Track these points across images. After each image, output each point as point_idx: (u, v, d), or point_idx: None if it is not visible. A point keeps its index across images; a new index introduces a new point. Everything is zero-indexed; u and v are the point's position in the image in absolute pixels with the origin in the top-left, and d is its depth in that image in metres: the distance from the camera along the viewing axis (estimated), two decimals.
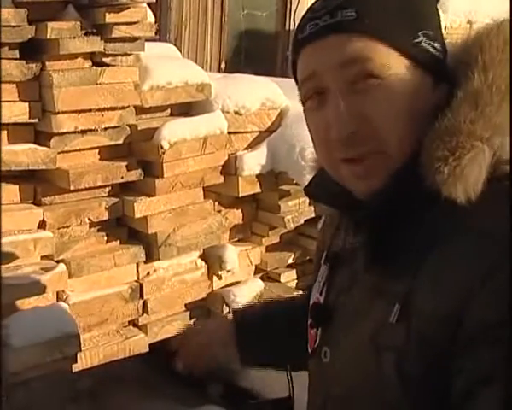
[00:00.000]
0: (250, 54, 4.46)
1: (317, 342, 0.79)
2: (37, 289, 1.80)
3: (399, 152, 0.68)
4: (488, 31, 0.70)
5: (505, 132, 0.66)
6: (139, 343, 2.09)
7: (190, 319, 2.24)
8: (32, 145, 1.85)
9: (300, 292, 2.31)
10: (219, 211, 2.24)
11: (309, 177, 0.86)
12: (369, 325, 0.69)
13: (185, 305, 2.21)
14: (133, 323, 2.12)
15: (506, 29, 0.69)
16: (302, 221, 2.30)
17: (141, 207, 1.97)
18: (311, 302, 0.84)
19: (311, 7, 0.73)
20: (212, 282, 2.25)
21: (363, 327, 0.70)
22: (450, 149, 0.65)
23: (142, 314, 2.10)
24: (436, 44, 0.70)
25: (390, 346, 0.66)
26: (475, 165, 0.65)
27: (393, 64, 0.67)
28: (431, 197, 0.65)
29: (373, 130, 0.67)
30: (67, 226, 1.92)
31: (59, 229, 1.90)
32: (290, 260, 2.42)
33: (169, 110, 2.17)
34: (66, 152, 1.90)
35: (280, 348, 1.01)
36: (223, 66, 4.09)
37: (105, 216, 1.98)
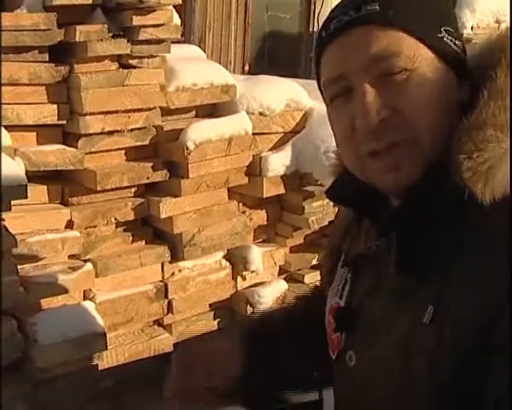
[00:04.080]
0: (274, 55, 4.46)
1: (342, 345, 0.78)
2: (65, 287, 1.82)
3: (430, 142, 0.67)
4: (509, 32, 0.70)
5: None
6: (164, 343, 2.10)
7: (214, 319, 2.25)
8: (61, 146, 1.88)
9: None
10: (244, 212, 2.24)
11: (331, 179, 0.85)
12: (399, 329, 0.68)
13: (209, 305, 2.22)
14: (158, 322, 2.14)
15: None
16: (326, 222, 2.29)
17: (166, 207, 1.99)
18: (328, 305, 0.83)
19: (336, 6, 0.73)
20: (236, 282, 2.26)
21: (392, 331, 0.69)
22: (476, 142, 0.64)
23: (167, 314, 2.12)
24: (457, 42, 0.70)
25: (421, 349, 0.65)
26: (504, 164, 0.63)
27: (420, 56, 0.67)
28: (460, 196, 0.64)
29: (403, 119, 0.67)
30: (94, 226, 1.95)
31: (86, 229, 1.93)
32: (314, 262, 2.42)
33: (194, 111, 2.18)
34: (94, 153, 1.93)
35: (292, 360, 0.94)
36: (247, 67, 4.10)
37: (131, 216, 2.01)
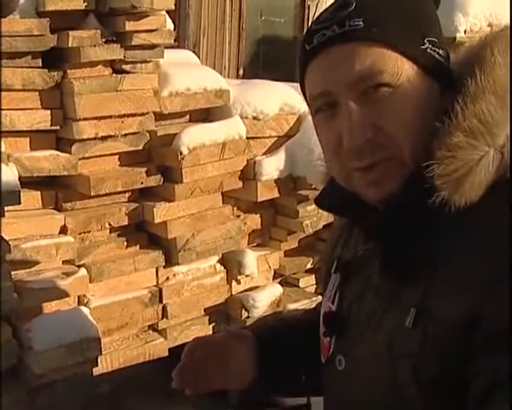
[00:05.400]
0: (268, 60, 4.47)
1: (331, 350, 0.79)
2: (59, 293, 1.82)
3: (412, 157, 0.68)
4: (484, 39, 0.71)
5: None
6: (159, 348, 2.10)
7: (209, 323, 2.25)
8: (54, 152, 1.88)
9: (319, 297, 2.30)
10: (238, 216, 2.24)
11: (322, 186, 0.85)
12: (384, 333, 0.69)
13: (204, 309, 2.22)
14: (153, 327, 2.14)
15: (502, 37, 0.69)
16: (321, 226, 2.30)
17: (160, 212, 1.99)
18: (322, 311, 0.84)
19: (317, 18, 0.73)
20: (230, 286, 2.26)
21: (377, 335, 0.70)
22: (448, 147, 0.65)
23: (162, 319, 2.11)
24: (440, 51, 0.71)
25: (405, 353, 0.66)
26: (477, 171, 0.64)
27: (404, 71, 0.67)
28: (440, 202, 0.65)
29: (387, 138, 0.68)
30: (88, 231, 1.94)
31: (80, 234, 1.93)
32: (309, 265, 2.42)
33: (188, 116, 2.19)
34: (87, 158, 1.93)
35: (301, 361, 0.93)
36: (241, 72, 4.11)
37: (125, 221, 2.01)
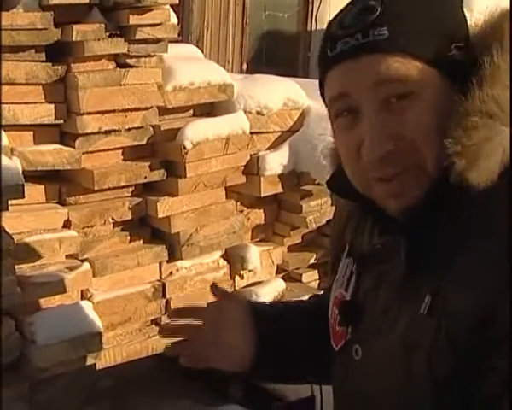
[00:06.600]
0: (272, 55, 4.47)
1: (348, 339, 0.78)
2: (62, 287, 1.82)
3: (435, 165, 0.67)
4: (501, 17, 0.69)
5: None
6: (162, 342, 2.09)
7: None
8: (58, 146, 1.88)
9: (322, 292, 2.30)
10: (241, 211, 2.24)
11: (329, 170, 0.84)
12: (399, 325, 0.69)
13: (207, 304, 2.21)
14: (156, 322, 2.13)
15: None
16: (324, 221, 2.29)
17: (164, 206, 1.99)
18: (332, 297, 0.83)
19: (340, 20, 0.70)
20: (234, 281, 2.26)
21: (394, 329, 0.70)
22: (464, 129, 0.64)
23: (165, 313, 2.11)
24: (465, 54, 0.69)
25: (420, 344, 0.65)
26: (492, 147, 0.63)
27: (428, 81, 0.66)
28: (458, 191, 0.65)
29: (409, 147, 0.66)
30: (92, 226, 1.94)
31: (83, 228, 1.93)
32: (312, 261, 2.42)
33: (192, 111, 2.18)
34: (91, 152, 1.93)
35: (302, 346, 0.93)
36: (244, 67, 4.11)
37: (128, 216, 2.00)
